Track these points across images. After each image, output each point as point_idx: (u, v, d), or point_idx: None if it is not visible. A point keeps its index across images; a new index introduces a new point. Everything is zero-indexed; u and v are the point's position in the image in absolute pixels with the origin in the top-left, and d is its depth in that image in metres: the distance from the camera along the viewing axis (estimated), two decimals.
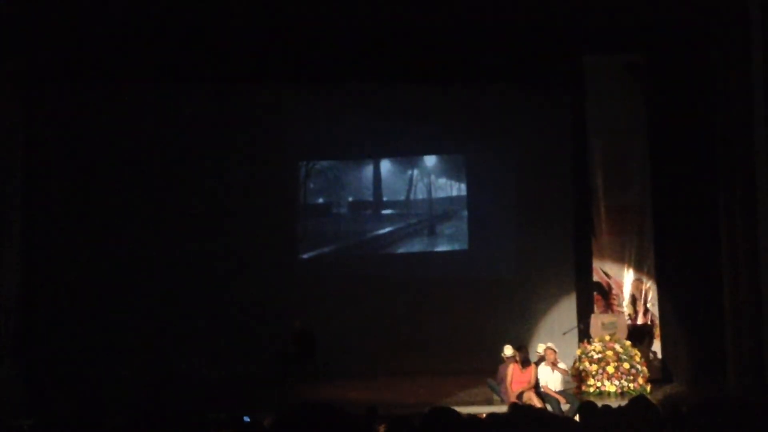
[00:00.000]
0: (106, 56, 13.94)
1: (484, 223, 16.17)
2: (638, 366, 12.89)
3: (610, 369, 12.78)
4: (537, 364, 12.12)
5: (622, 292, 14.29)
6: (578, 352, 13.31)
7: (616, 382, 12.72)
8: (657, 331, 14.19)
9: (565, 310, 15.41)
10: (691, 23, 13.07)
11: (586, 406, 6.83)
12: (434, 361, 15.14)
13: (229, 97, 15.61)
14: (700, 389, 12.85)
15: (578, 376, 12.86)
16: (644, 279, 14.31)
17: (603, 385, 12.75)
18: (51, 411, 11.17)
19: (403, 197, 16.50)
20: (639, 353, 13.11)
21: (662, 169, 14.25)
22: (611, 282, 14.30)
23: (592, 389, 12.75)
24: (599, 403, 7.19)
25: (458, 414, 4.64)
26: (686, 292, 13.87)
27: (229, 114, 15.65)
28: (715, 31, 12.70)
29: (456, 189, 16.49)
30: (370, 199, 16.47)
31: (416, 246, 16.53)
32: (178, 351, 14.77)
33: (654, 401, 8.08)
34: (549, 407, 11.40)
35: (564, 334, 14.25)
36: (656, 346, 14.14)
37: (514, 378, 11.84)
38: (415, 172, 16.53)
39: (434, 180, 16.49)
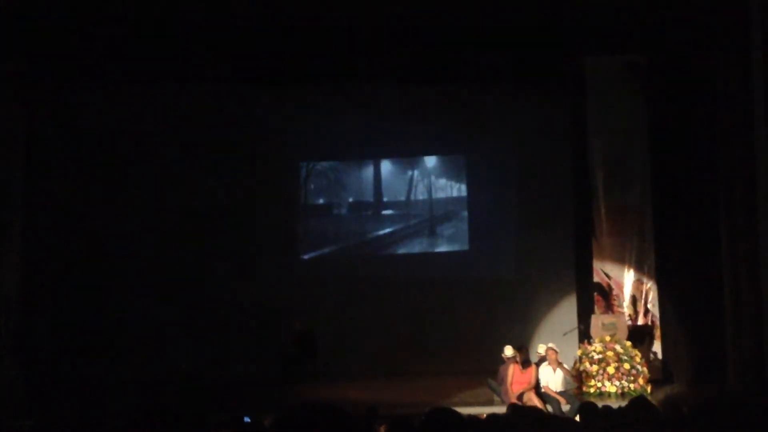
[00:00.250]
0: (107, 56, 13.92)
1: (484, 224, 16.17)
2: (639, 366, 12.88)
3: (611, 369, 12.76)
4: (538, 364, 12.12)
5: (622, 292, 14.29)
6: (579, 352, 13.31)
7: (617, 383, 12.71)
8: (657, 332, 14.19)
9: (566, 311, 15.41)
10: (691, 24, 13.05)
11: (586, 407, 6.83)
12: (434, 362, 15.15)
13: (229, 98, 15.61)
14: (701, 390, 12.83)
15: (579, 376, 12.85)
16: (644, 279, 14.31)
17: (603, 385, 12.74)
18: (51, 411, 11.16)
19: (403, 198, 16.50)
20: (639, 354, 13.10)
21: (662, 169, 14.24)
22: (611, 282, 14.30)
23: (592, 390, 12.73)
24: (600, 404, 7.20)
25: (459, 414, 4.63)
26: (686, 292, 13.86)
27: (230, 114, 15.66)
28: (715, 32, 12.69)
29: (456, 189, 16.49)
30: (371, 199, 16.47)
31: (416, 246, 16.53)
32: (178, 351, 14.77)
33: (654, 402, 8.08)
34: (549, 408, 11.40)
35: (564, 334, 14.24)
36: (657, 346, 14.13)
37: (515, 378, 11.84)
38: (416, 172, 16.53)
39: (434, 180, 16.49)
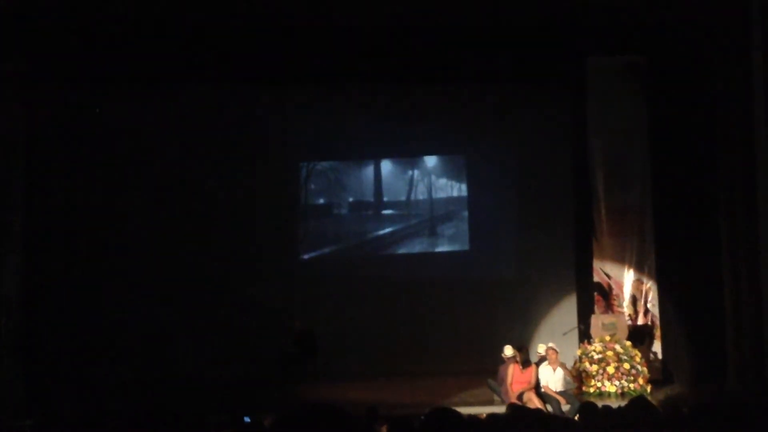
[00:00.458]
0: (107, 56, 13.93)
1: (484, 224, 16.17)
2: (638, 366, 12.88)
3: (611, 369, 12.77)
4: (538, 364, 12.13)
5: (622, 292, 14.29)
6: (578, 352, 13.31)
7: (617, 383, 12.71)
8: (657, 332, 14.19)
9: (566, 311, 15.41)
10: (691, 24, 13.06)
11: (586, 407, 6.84)
12: (434, 362, 15.15)
13: (230, 98, 15.60)
14: (701, 390, 12.83)
15: (578, 376, 12.86)
16: (645, 279, 14.31)
17: (603, 385, 12.74)
18: (51, 411, 11.17)
19: (403, 198, 16.50)
20: (639, 354, 13.10)
21: (663, 169, 14.24)
22: (612, 282, 14.30)
23: (592, 390, 12.74)
24: (599, 404, 7.21)
25: (459, 414, 4.63)
26: (687, 292, 13.86)
27: (230, 115, 15.65)
28: (716, 32, 12.70)
29: (456, 189, 16.49)
30: (371, 199, 16.47)
31: (417, 247, 16.53)
32: (178, 351, 14.77)
33: (654, 402, 8.08)
34: (549, 408, 11.41)
35: (564, 334, 14.25)
36: (657, 346, 14.13)
37: (515, 378, 11.85)
38: (416, 172, 16.53)
39: (435, 180, 16.49)
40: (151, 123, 15.40)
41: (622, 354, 12.91)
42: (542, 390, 11.80)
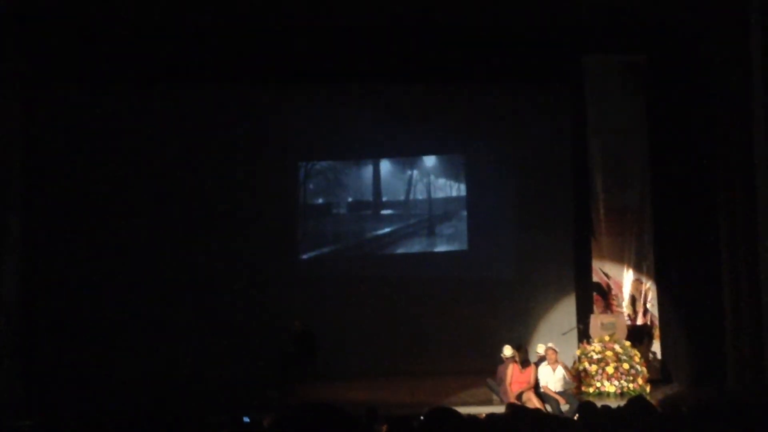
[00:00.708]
0: (106, 56, 13.94)
1: (483, 224, 16.16)
2: (638, 366, 12.89)
3: (610, 369, 12.78)
4: (537, 364, 12.13)
5: (621, 292, 14.29)
6: (578, 352, 13.32)
7: (616, 383, 12.72)
8: (656, 332, 14.19)
9: (565, 311, 15.41)
10: (690, 23, 13.07)
11: (585, 407, 6.84)
12: (433, 362, 15.16)
13: (228, 98, 15.59)
14: (700, 389, 12.84)
15: (578, 376, 12.86)
16: (644, 279, 14.32)
17: (602, 385, 12.75)
18: (51, 411, 11.17)
19: (402, 197, 16.50)
20: (638, 353, 13.11)
21: (662, 169, 14.25)
22: (611, 282, 14.30)
23: (591, 390, 12.75)
24: (599, 404, 7.21)
25: (458, 414, 4.64)
26: (686, 292, 13.87)
27: (229, 115, 15.64)
28: (715, 32, 12.71)
29: (455, 189, 16.49)
30: (370, 199, 16.47)
31: (416, 246, 16.53)
32: (177, 351, 14.76)
33: (654, 402, 8.09)
34: (548, 408, 11.41)
35: (563, 334, 14.26)
36: (656, 346, 14.14)
37: (514, 378, 11.86)
38: (415, 172, 16.53)
39: (434, 180, 16.49)
40: (151, 123, 15.40)
41: (622, 354, 12.92)
42: (541, 390, 11.80)
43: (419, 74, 15.03)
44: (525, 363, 12.02)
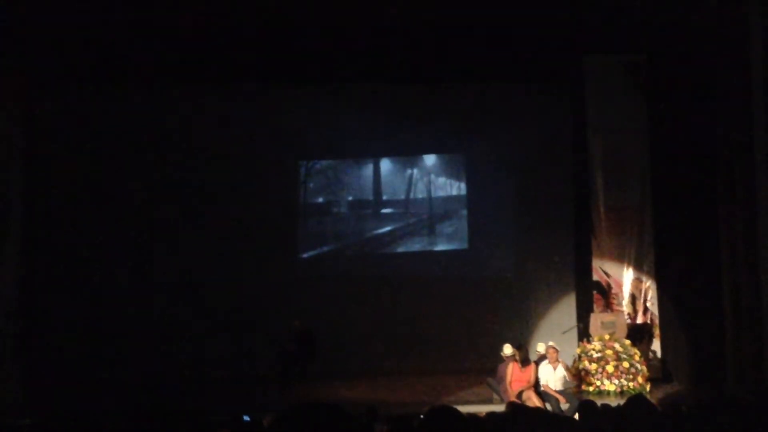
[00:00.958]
0: (106, 56, 13.95)
1: (483, 222, 16.17)
2: (638, 365, 12.89)
3: (610, 368, 12.78)
4: (538, 363, 12.13)
5: (621, 291, 14.30)
6: (578, 351, 13.33)
7: (616, 381, 12.73)
8: (656, 330, 14.20)
9: (565, 309, 15.42)
10: (691, 23, 13.07)
11: (585, 405, 6.84)
12: (434, 360, 15.17)
13: (229, 98, 15.60)
14: (700, 388, 12.86)
15: (578, 375, 12.87)
16: (644, 278, 14.32)
17: (603, 384, 12.75)
18: (51, 411, 11.17)
19: (402, 196, 16.50)
20: (638, 352, 13.12)
21: (662, 168, 14.25)
22: (611, 281, 14.31)
23: (591, 388, 12.75)
24: (599, 403, 7.21)
25: (458, 413, 4.64)
26: (686, 291, 13.88)
27: (230, 114, 15.65)
28: (715, 31, 12.71)
29: (456, 188, 16.49)
30: (370, 198, 16.47)
31: (416, 245, 16.53)
32: (177, 350, 14.77)
33: (654, 400, 8.10)
34: (548, 406, 11.41)
35: (564, 333, 14.25)
36: (656, 345, 14.15)
37: (514, 377, 11.85)
38: (415, 171, 16.53)
39: (434, 179, 16.49)
40: (151, 122, 15.41)
41: (622, 352, 12.92)
42: (542, 389, 11.80)
43: (420, 74, 15.03)
44: (525, 362, 12.01)
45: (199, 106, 15.50)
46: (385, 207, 16.51)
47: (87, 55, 13.89)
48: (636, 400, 5.87)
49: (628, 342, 13.21)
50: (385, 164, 16.50)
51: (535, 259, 15.77)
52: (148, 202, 15.38)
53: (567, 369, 12.08)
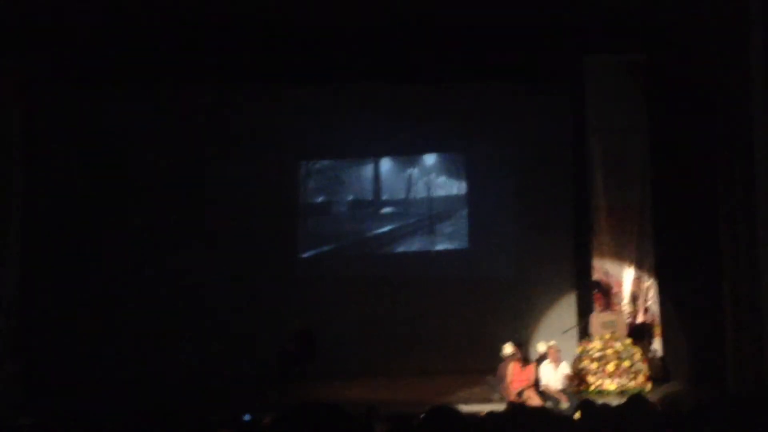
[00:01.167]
0: (106, 56, 13.94)
1: (484, 222, 16.16)
2: (638, 364, 12.90)
3: (610, 367, 12.78)
4: (538, 362, 12.14)
5: (622, 290, 14.29)
6: (578, 350, 13.33)
7: (617, 381, 12.73)
8: (657, 330, 14.19)
9: (565, 309, 15.41)
10: (691, 23, 13.05)
11: (585, 405, 6.84)
12: (434, 360, 15.17)
13: (228, 97, 15.60)
14: (701, 388, 12.84)
15: (578, 374, 12.87)
16: (644, 277, 14.32)
17: (603, 383, 12.76)
18: (51, 411, 11.17)
19: (402, 196, 16.50)
20: (639, 352, 13.12)
21: (662, 168, 14.24)
22: (611, 280, 14.30)
23: (592, 388, 12.75)
24: (599, 402, 7.20)
25: (458, 412, 4.64)
26: (686, 290, 13.86)
27: (229, 113, 15.64)
28: (715, 31, 12.69)
29: (456, 188, 16.49)
30: (370, 197, 16.47)
31: (416, 245, 16.52)
32: (177, 350, 14.77)
33: (654, 400, 8.09)
34: (549, 406, 11.41)
35: (564, 332, 14.24)
36: (656, 344, 14.14)
37: (514, 376, 11.87)
38: (415, 170, 16.52)
39: (434, 179, 16.49)
40: (151, 122, 15.41)
41: (622, 352, 12.93)
42: (542, 388, 11.80)
43: (420, 73, 15.02)
44: (525, 361, 12.02)
45: (198, 106, 15.49)
46: (385, 207, 16.51)
47: (87, 55, 13.88)
48: (636, 399, 5.87)
49: (628, 341, 13.20)
50: (385, 164, 16.50)
51: (535, 259, 15.76)
52: (148, 202, 15.37)
53: (568, 368, 12.08)
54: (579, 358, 13.13)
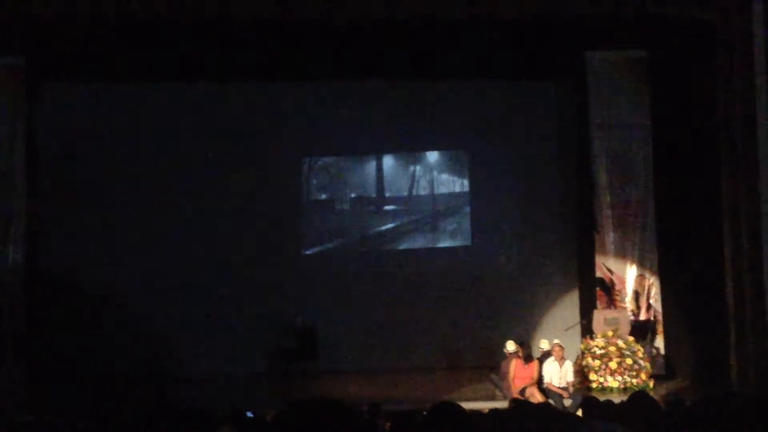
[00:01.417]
0: (107, 55, 13.93)
1: (486, 219, 16.16)
2: (641, 362, 12.88)
3: (613, 365, 12.77)
4: (540, 359, 12.13)
5: (624, 287, 14.27)
6: (581, 347, 13.32)
7: (619, 378, 12.72)
8: (660, 327, 14.17)
9: (568, 306, 15.42)
10: (694, 18, 13.03)
11: (588, 402, 6.84)
12: (436, 357, 15.19)
13: (232, 95, 15.60)
14: (703, 385, 12.83)
15: (581, 371, 12.86)
16: (647, 274, 14.30)
17: (606, 380, 12.74)
18: (53, 407, 11.19)
19: (405, 193, 16.49)
20: (642, 349, 13.10)
21: (665, 164, 14.22)
22: (614, 278, 14.28)
23: (594, 385, 12.74)
24: (602, 399, 7.21)
25: (462, 409, 4.64)
26: (689, 287, 13.84)
27: (233, 111, 15.63)
28: (718, 27, 12.67)
29: (459, 185, 16.48)
30: (373, 195, 16.46)
31: (419, 242, 16.52)
32: (180, 347, 14.78)
33: (657, 397, 8.09)
34: (551, 403, 11.40)
35: (567, 329, 14.24)
36: (659, 341, 14.12)
37: (517, 373, 11.85)
38: (418, 168, 16.52)
39: (437, 176, 16.49)
40: (154, 119, 15.41)
41: (625, 349, 12.91)
42: (545, 386, 11.80)
43: (422, 70, 15.01)
44: (528, 358, 12.01)
45: (202, 103, 15.48)
46: (388, 204, 16.51)
47: (89, 53, 13.87)
48: (639, 396, 5.87)
49: (631, 338, 13.19)
50: (388, 161, 16.49)
51: (538, 256, 15.76)
52: (151, 198, 15.36)
53: (570, 366, 12.06)
54: (582, 356, 13.12)
